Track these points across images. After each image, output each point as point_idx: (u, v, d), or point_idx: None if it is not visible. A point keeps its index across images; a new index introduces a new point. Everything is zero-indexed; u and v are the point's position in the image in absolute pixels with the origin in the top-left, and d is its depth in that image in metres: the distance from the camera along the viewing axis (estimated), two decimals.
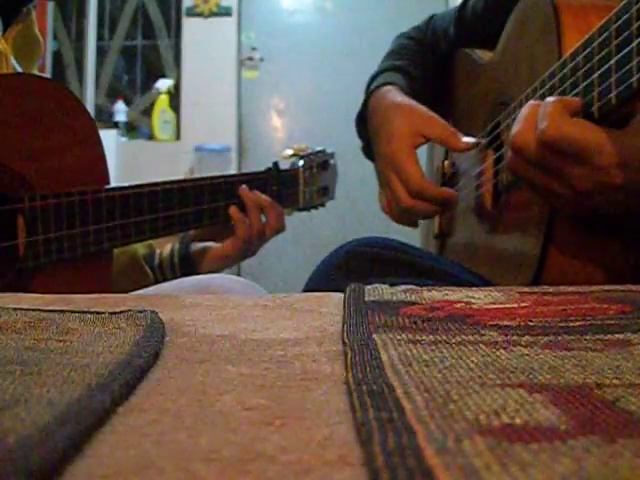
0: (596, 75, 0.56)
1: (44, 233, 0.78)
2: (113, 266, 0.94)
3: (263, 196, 0.99)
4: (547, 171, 0.60)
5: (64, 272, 0.81)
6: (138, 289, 0.85)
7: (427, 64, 1.04)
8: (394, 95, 0.96)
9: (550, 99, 0.59)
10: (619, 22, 0.53)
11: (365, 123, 1.01)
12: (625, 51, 0.52)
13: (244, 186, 0.98)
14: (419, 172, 0.89)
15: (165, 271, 1.00)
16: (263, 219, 1.00)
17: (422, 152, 0.98)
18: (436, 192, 0.90)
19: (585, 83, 0.58)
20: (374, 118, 0.97)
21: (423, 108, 0.91)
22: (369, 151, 1.02)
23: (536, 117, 0.60)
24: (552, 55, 0.66)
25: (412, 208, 0.90)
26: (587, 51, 0.57)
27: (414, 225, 1.01)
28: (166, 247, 1.02)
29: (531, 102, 0.62)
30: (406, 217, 0.95)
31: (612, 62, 0.54)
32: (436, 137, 0.90)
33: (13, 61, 0.87)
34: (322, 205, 1.17)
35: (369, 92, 1.00)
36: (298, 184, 1.09)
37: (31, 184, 0.78)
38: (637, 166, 0.57)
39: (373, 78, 1.02)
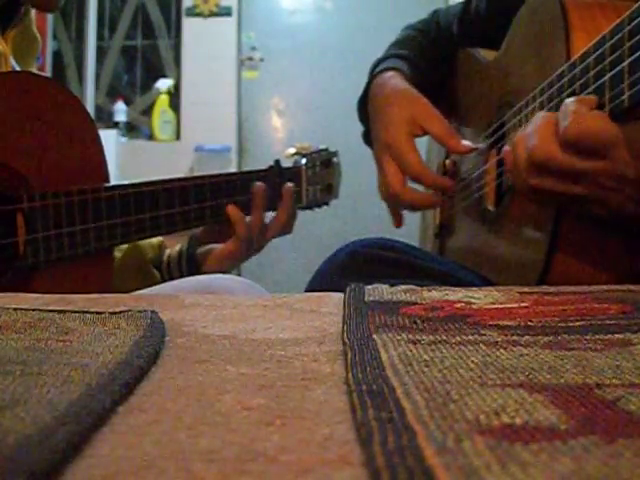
0: (607, 77, 0.56)
1: (44, 231, 0.78)
2: (121, 270, 0.94)
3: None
4: (570, 176, 0.60)
5: (64, 270, 0.81)
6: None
7: (432, 57, 1.04)
8: (396, 81, 0.95)
9: (570, 99, 0.59)
10: (632, 24, 0.53)
11: (366, 107, 1.01)
12: (638, 53, 0.52)
13: (259, 183, 0.97)
14: (418, 158, 0.89)
15: (173, 272, 1.00)
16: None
17: (421, 147, 0.98)
18: (435, 178, 0.91)
19: (596, 85, 0.58)
20: (375, 102, 0.97)
21: (425, 100, 0.91)
22: (369, 137, 1.01)
23: (550, 129, 0.59)
24: (560, 55, 0.66)
25: (400, 195, 0.91)
26: (598, 52, 0.57)
27: (399, 219, 1.00)
28: (174, 247, 1.02)
29: (541, 115, 0.62)
30: (393, 204, 0.96)
31: (625, 64, 0.53)
32: (434, 133, 0.90)
33: (12, 61, 0.87)
34: (326, 204, 1.17)
35: (372, 76, 1.00)
36: (301, 182, 1.08)
37: (30, 182, 0.78)
38: None
39: (377, 64, 1.02)
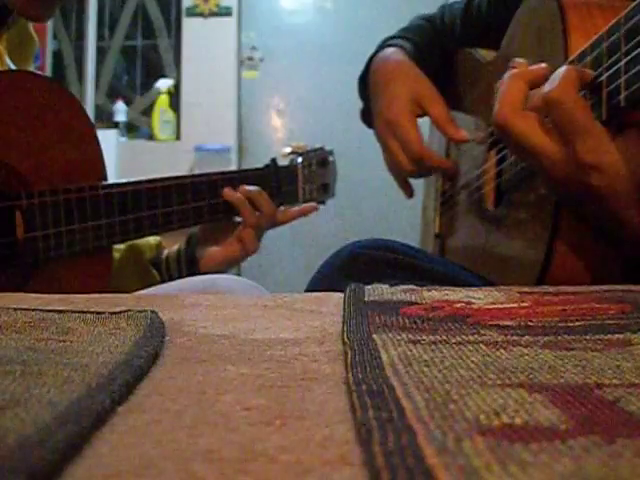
0: (604, 77, 0.56)
1: (42, 229, 0.78)
2: (120, 270, 0.94)
3: (248, 187, 0.98)
4: (525, 150, 0.60)
5: (63, 268, 0.81)
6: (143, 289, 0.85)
7: (436, 48, 1.04)
8: (399, 57, 0.95)
9: (568, 67, 0.58)
10: (629, 24, 0.53)
11: (367, 84, 1.00)
12: (635, 53, 0.52)
13: (227, 188, 0.97)
14: (419, 139, 0.89)
15: (172, 272, 1.00)
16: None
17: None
18: (436, 161, 0.91)
19: (593, 84, 0.58)
20: (377, 76, 0.96)
21: (427, 80, 0.91)
22: (368, 115, 1.01)
23: (514, 95, 0.59)
24: (558, 55, 0.66)
25: (413, 173, 0.91)
26: (596, 52, 0.57)
27: (409, 190, 1.00)
28: (172, 247, 1.02)
29: (510, 75, 0.61)
30: (402, 177, 0.96)
31: (621, 64, 0.54)
32: (434, 116, 0.89)
33: (8, 60, 0.88)
34: (322, 202, 1.17)
35: (374, 52, 0.99)
36: (297, 180, 1.09)
37: (28, 180, 0.78)
38: (625, 175, 0.56)
39: (382, 43, 1.01)
